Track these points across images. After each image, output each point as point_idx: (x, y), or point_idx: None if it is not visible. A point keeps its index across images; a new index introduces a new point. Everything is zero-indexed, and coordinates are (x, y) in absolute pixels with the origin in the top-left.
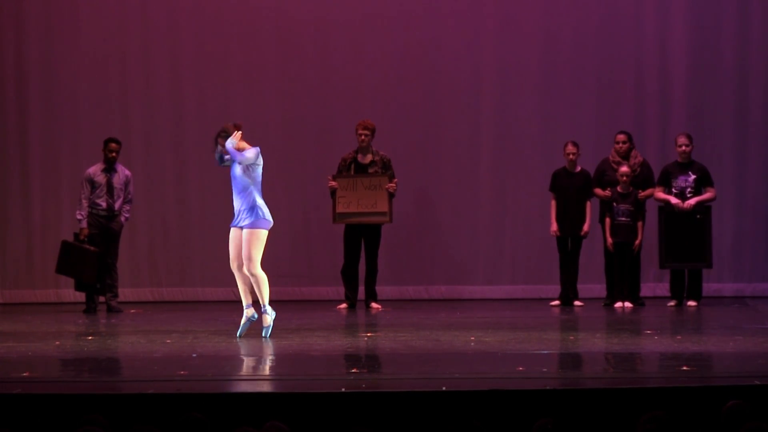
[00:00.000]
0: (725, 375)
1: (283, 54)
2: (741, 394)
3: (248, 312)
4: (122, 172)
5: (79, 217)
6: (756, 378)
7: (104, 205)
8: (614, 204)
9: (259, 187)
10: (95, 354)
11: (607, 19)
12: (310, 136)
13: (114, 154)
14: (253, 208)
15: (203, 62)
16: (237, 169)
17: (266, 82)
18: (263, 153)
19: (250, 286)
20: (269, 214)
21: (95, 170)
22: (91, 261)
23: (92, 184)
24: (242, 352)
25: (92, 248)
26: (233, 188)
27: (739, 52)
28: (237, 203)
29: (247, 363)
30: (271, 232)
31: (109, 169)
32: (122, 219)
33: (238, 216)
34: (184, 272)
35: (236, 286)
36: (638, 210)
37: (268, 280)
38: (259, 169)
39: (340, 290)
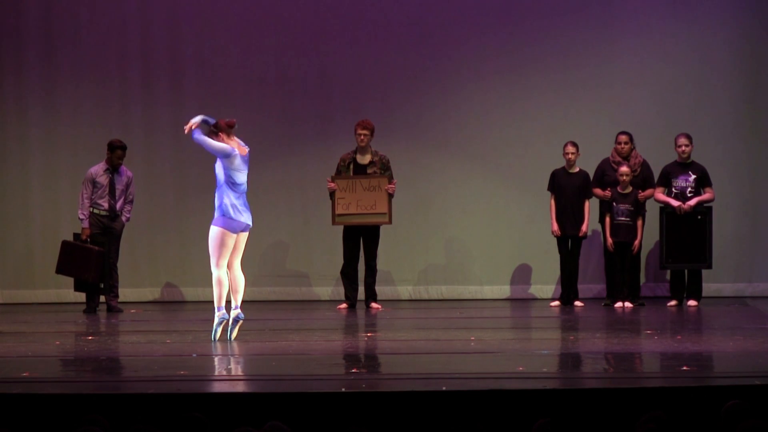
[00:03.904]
0: (725, 375)
1: (282, 54)
2: (741, 394)
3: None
4: (125, 173)
5: (81, 216)
6: (756, 378)
7: (106, 205)
8: (614, 204)
9: (231, 188)
10: (95, 354)
11: (607, 19)
12: (309, 137)
13: (121, 162)
14: (218, 207)
15: (203, 62)
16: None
17: (265, 83)
18: (264, 154)
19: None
20: (232, 214)
21: (97, 170)
22: (95, 261)
23: (94, 184)
24: (241, 352)
25: (96, 248)
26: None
27: (739, 51)
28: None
29: (248, 363)
30: (271, 232)
31: (113, 170)
32: (123, 219)
33: None
34: (184, 272)
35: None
36: (638, 210)
37: (270, 281)
38: (231, 172)
39: (340, 290)
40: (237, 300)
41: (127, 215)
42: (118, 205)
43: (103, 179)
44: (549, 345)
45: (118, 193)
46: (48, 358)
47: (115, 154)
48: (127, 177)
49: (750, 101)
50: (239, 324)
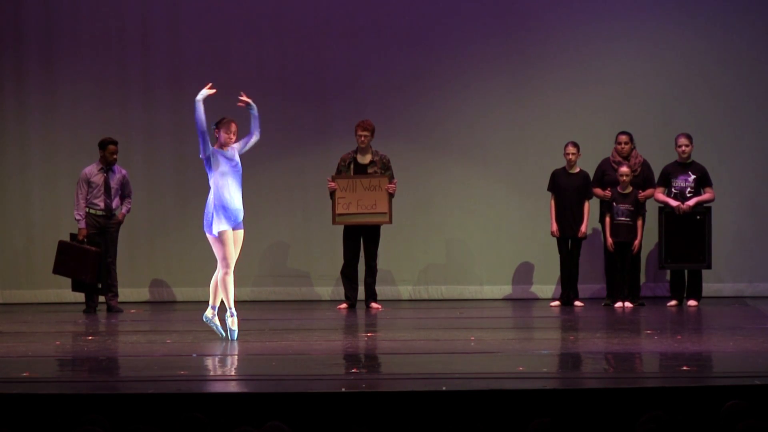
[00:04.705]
0: (725, 375)
1: (282, 54)
2: (741, 394)
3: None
4: (119, 171)
5: (77, 217)
6: (756, 378)
7: (102, 205)
8: (614, 204)
9: None
10: (95, 354)
11: (607, 19)
12: (309, 137)
13: (116, 156)
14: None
15: (203, 62)
16: (239, 162)
17: (266, 83)
18: (264, 154)
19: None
20: None
21: (91, 170)
22: (92, 261)
23: (89, 184)
24: (241, 352)
25: (93, 248)
26: (233, 183)
27: (739, 50)
28: (238, 201)
29: (248, 363)
30: (271, 232)
31: (107, 169)
32: (124, 210)
33: (237, 215)
34: (184, 272)
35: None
36: (638, 210)
37: (270, 281)
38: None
39: (340, 290)
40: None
41: (128, 206)
42: (114, 204)
43: (98, 179)
44: (549, 345)
45: (113, 192)
46: (48, 358)
47: (108, 150)
48: (121, 175)
49: (750, 101)
50: (229, 325)
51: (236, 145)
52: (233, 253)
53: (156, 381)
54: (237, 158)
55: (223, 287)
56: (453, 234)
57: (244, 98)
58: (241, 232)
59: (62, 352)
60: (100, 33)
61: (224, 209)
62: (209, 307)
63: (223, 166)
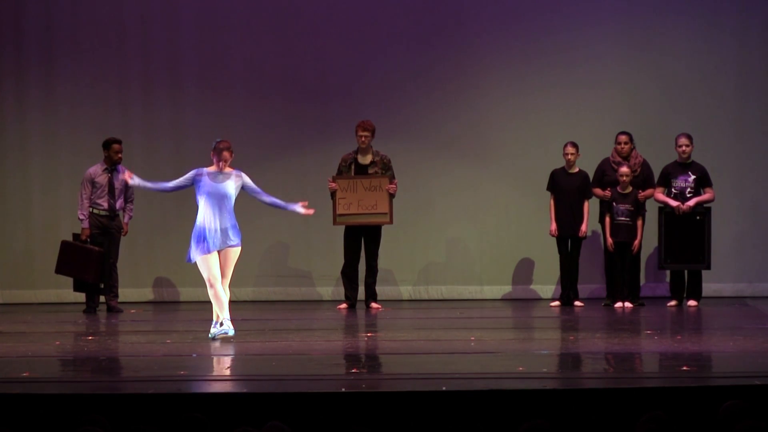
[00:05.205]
0: (725, 375)
1: (282, 54)
2: (741, 394)
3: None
4: (122, 171)
5: (81, 217)
6: (756, 378)
7: (105, 205)
8: (614, 204)
9: None
10: (95, 354)
11: (608, 18)
12: (310, 137)
13: (120, 155)
14: (236, 226)
15: (203, 62)
16: (231, 187)
17: (266, 83)
18: (265, 154)
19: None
20: None
21: (96, 170)
22: (95, 261)
23: (93, 184)
24: (241, 352)
25: (96, 248)
26: (217, 205)
27: (739, 51)
28: (222, 222)
29: (248, 363)
30: (272, 232)
31: (111, 169)
32: (127, 219)
33: (218, 236)
34: (184, 272)
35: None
36: (638, 210)
37: (270, 281)
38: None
39: (340, 290)
40: None
41: (130, 213)
42: (118, 205)
43: (102, 179)
44: (549, 345)
45: (117, 192)
46: (48, 358)
47: (112, 149)
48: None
49: (750, 101)
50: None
51: (245, 179)
52: (215, 272)
53: (156, 381)
54: (229, 184)
55: (214, 301)
56: (453, 234)
57: (309, 210)
58: (232, 250)
59: (62, 352)
60: (100, 33)
61: (202, 233)
62: (213, 323)
63: (207, 189)
